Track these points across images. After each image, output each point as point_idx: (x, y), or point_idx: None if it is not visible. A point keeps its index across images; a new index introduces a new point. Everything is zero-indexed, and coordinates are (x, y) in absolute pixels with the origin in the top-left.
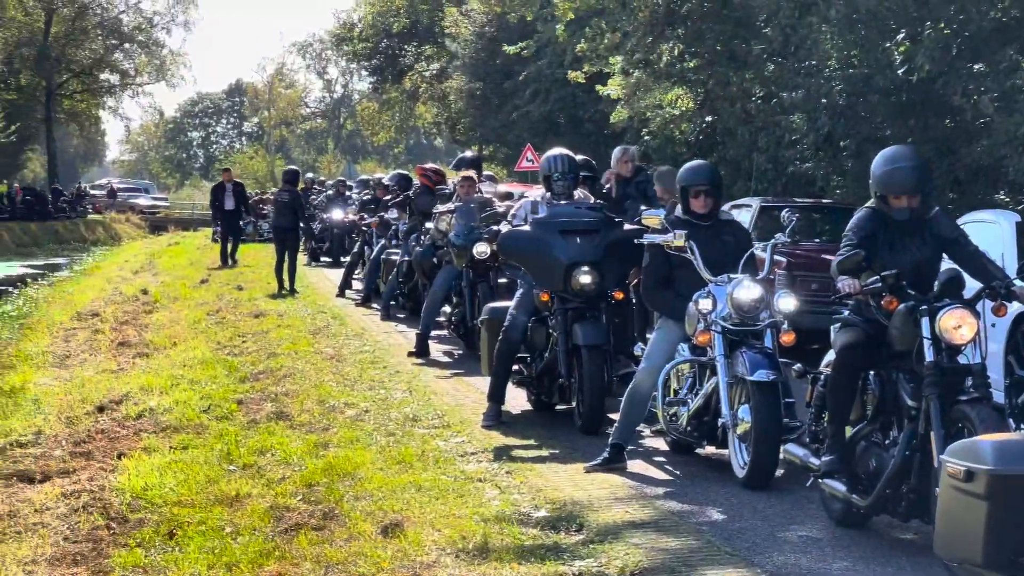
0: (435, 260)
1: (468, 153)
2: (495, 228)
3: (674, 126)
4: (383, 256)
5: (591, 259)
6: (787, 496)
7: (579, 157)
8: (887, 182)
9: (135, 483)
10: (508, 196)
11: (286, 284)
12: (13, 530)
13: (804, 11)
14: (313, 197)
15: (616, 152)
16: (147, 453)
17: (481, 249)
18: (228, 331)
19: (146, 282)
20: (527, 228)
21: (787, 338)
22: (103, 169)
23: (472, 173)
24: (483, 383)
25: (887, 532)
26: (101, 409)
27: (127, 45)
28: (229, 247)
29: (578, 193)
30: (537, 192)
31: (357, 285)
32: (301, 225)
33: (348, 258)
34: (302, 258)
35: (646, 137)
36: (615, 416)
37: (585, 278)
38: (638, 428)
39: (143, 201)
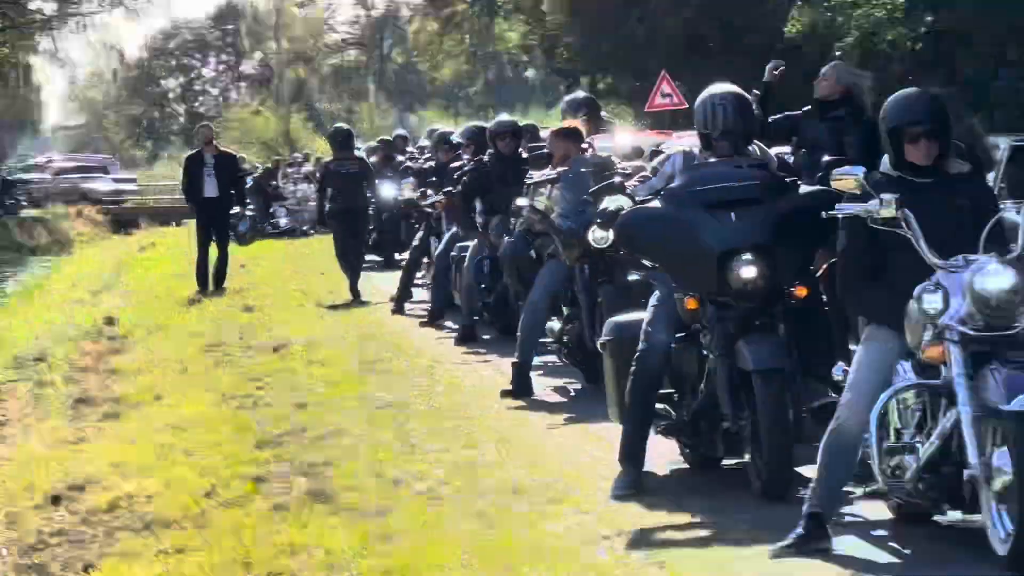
0: (532, 254)
1: (579, 93)
2: (611, 206)
3: (879, 36)
4: (456, 252)
5: (754, 243)
6: None
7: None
8: None
9: None
10: (639, 154)
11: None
12: None
13: None
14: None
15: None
16: (126, 561)
17: (600, 236)
18: (235, 374)
19: (111, 307)
20: (656, 204)
21: None
22: (41, 140)
23: (578, 122)
24: (613, 433)
25: None
26: (56, 500)
27: None
28: (212, 260)
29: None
30: (689, 140)
31: (421, 295)
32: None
33: (406, 255)
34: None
35: (838, 53)
36: (809, 472)
37: (747, 271)
38: (845, 488)
39: (101, 185)
